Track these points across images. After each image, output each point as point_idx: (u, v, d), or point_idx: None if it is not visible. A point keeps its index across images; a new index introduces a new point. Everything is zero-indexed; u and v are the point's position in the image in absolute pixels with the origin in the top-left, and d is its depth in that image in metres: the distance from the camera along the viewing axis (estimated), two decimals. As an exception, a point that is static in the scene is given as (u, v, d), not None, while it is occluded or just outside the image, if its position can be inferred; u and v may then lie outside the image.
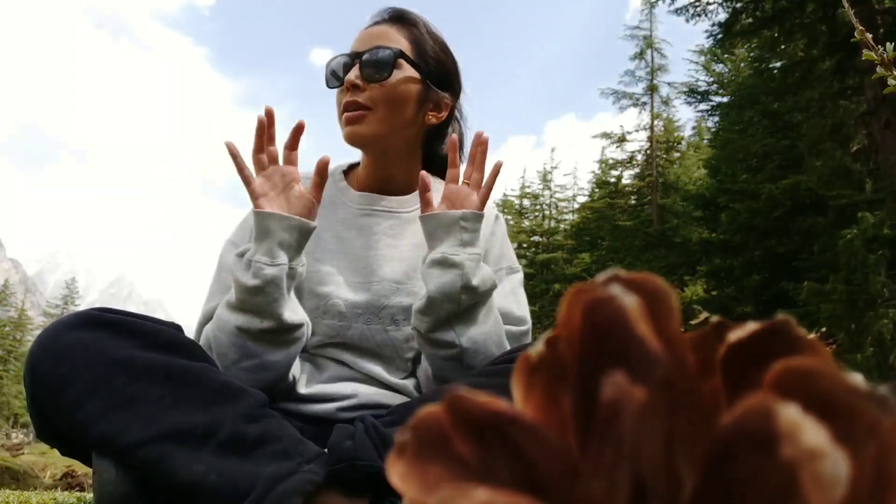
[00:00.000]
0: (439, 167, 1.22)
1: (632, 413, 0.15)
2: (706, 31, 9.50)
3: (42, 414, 0.79)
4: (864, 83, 7.54)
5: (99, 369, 0.76)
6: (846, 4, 0.88)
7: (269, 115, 0.96)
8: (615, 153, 18.33)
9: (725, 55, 14.97)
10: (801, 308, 7.12)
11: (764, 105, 11.14)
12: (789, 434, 0.14)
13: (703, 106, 14.42)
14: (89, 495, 1.75)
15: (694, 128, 18.96)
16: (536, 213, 21.73)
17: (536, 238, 20.97)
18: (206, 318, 1.01)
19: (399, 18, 1.13)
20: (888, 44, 0.81)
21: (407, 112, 1.08)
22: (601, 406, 0.16)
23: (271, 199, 0.94)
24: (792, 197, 8.77)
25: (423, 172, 1.01)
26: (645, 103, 16.95)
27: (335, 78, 1.10)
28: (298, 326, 0.95)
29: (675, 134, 17.36)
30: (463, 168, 1.06)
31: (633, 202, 17.17)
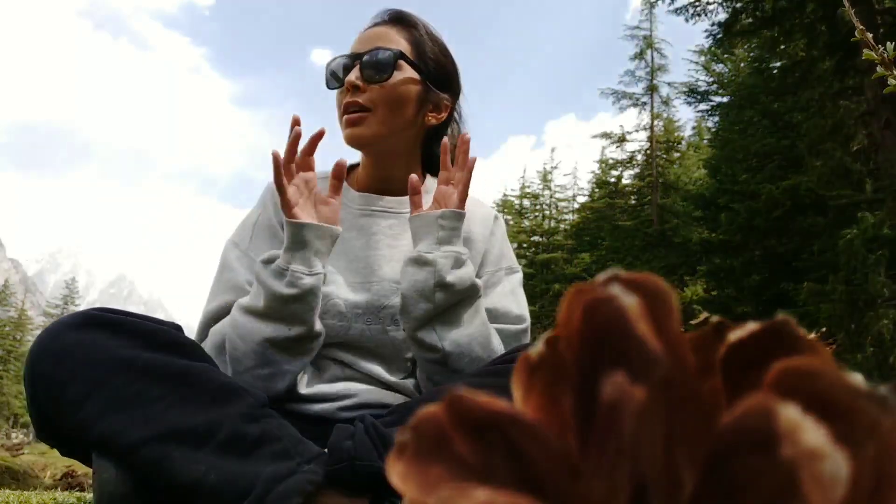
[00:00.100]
0: (439, 168, 1.22)
1: (632, 413, 0.15)
2: (706, 30, 9.51)
3: (42, 414, 0.79)
4: (864, 83, 7.54)
5: (99, 369, 0.76)
6: (846, 4, 0.88)
7: (297, 123, 0.97)
8: (615, 153, 18.35)
9: (725, 55, 14.97)
10: (800, 308, 7.12)
11: (764, 105, 11.14)
12: (789, 434, 0.14)
13: (703, 106, 14.43)
14: (89, 495, 1.75)
15: (694, 128, 18.98)
16: (536, 213, 21.74)
17: (536, 238, 20.98)
18: (211, 318, 1.01)
19: (399, 20, 1.13)
20: (888, 44, 0.81)
21: (407, 113, 1.08)
22: (601, 406, 0.16)
23: (302, 208, 0.95)
24: (792, 197, 8.77)
25: (413, 175, 1.02)
26: (645, 103, 16.96)
27: (335, 79, 1.10)
28: (320, 334, 0.97)
29: (675, 134, 17.37)
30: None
31: (633, 202, 17.18)
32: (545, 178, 21.96)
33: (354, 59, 1.08)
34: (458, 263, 0.97)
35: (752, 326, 0.17)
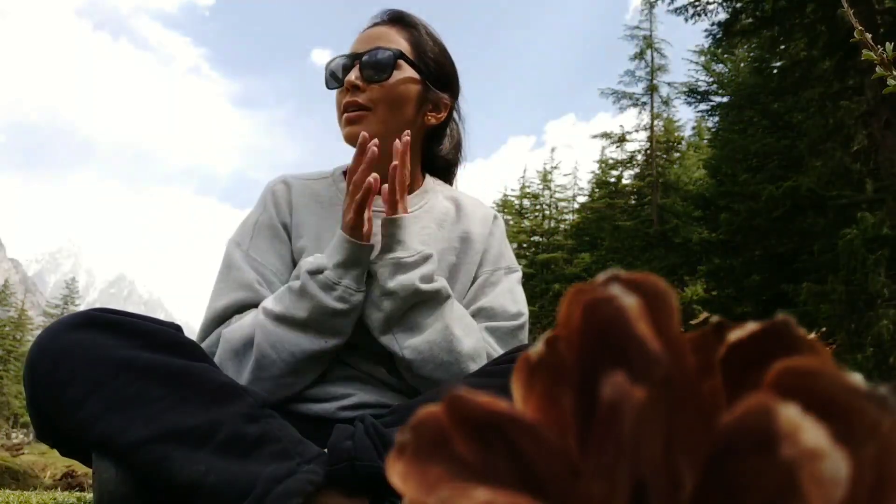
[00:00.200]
0: (439, 167, 1.22)
1: (632, 413, 0.15)
2: (706, 30, 9.51)
3: (42, 414, 0.79)
4: (864, 83, 7.54)
5: (99, 369, 0.76)
6: (846, 4, 0.88)
7: (371, 143, 0.96)
8: (615, 153, 18.34)
9: (725, 55, 14.97)
10: (800, 308, 7.12)
11: (764, 105, 11.13)
12: (789, 434, 0.14)
13: (703, 106, 14.42)
14: (89, 495, 1.75)
15: (694, 128, 18.97)
16: (536, 213, 21.73)
17: (536, 238, 20.97)
18: (218, 317, 1.01)
19: (398, 20, 1.13)
20: (888, 44, 0.81)
21: (407, 112, 1.08)
22: (601, 406, 0.16)
23: (356, 226, 0.96)
24: (792, 197, 8.77)
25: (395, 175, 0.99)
26: (645, 103, 16.95)
27: (334, 79, 1.10)
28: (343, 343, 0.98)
29: (675, 134, 17.36)
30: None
31: (633, 202, 17.17)
32: (545, 178, 21.96)
33: (354, 59, 1.08)
34: (401, 269, 0.97)
35: (752, 326, 0.17)
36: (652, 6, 16.38)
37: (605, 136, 17.89)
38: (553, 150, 22.31)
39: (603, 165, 18.99)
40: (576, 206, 21.52)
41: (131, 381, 0.76)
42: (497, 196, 22.32)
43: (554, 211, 21.71)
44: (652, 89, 16.67)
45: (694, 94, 14.50)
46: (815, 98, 8.40)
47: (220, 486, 0.72)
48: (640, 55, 16.76)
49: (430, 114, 1.12)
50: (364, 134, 0.97)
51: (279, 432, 0.79)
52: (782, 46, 9.09)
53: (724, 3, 9.09)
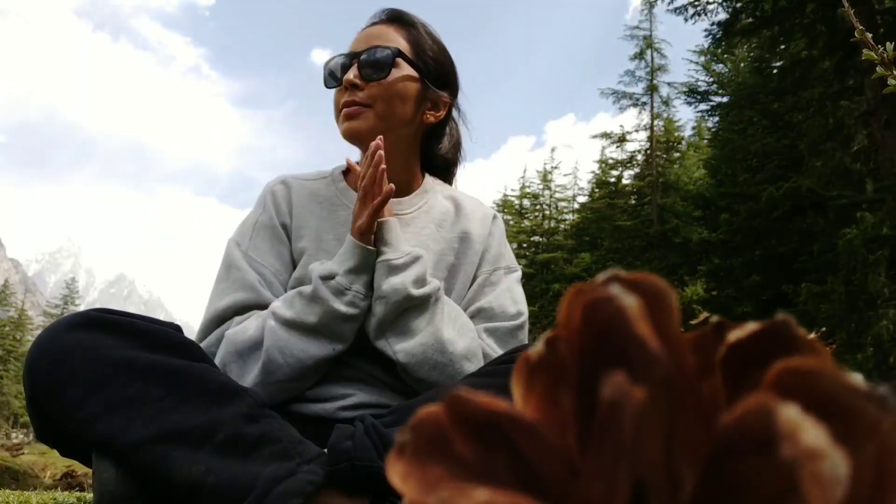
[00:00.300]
0: (439, 167, 1.22)
1: (632, 413, 0.15)
2: (706, 30, 9.52)
3: (42, 414, 0.79)
4: (864, 83, 7.54)
5: (98, 370, 0.76)
6: (846, 4, 0.88)
7: (381, 148, 0.96)
8: (615, 153, 18.35)
9: (725, 55, 14.97)
10: (800, 308, 7.12)
11: (764, 105, 11.14)
12: (789, 434, 0.14)
13: (703, 106, 14.42)
14: (89, 495, 1.75)
15: (694, 128, 18.97)
16: (536, 213, 21.73)
17: (536, 238, 20.97)
18: (219, 317, 1.01)
19: (397, 19, 1.13)
20: (888, 44, 0.81)
21: (406, 110, 1.08)
22: (601, 406, 0.16)
23: (366, 231, 0.97)
24: (792, 197, 8.77)
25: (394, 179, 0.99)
26: (645, 103, 16.95)
27: (333, 78, 1.10)
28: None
29: (675, 134, 17.36)
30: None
31: (633, 202, 17.17)
32: (545, 178, 21.96)
33: (352, 57, 1.08)
34: (392, 271, 0.97)
35: (752, 326, 0.17)
36: (652, 6, 16.39)
37: (605, 136, 17.90)
38: (553, 150, 22.33)
39: (603, 165, 18.99)
40: (576, 206, 21.53)
41: (131, 381, 0.76)
42: (497, 196, 22.33)
43: (554, 211, 21.71)
44: (652, 89, 16.68)
45: (694, 94, 14.51)
46: (815, 98, 8.41)
47: (220, 487, 0.72)
48: (640, 55, 16.76)
49: (429, 112, 1.12)
50: (376, 142, 0.97)
51: (279, 432, 0.79)
52: (782, 46, 9.09)
53: (724, 3, 9.09)
